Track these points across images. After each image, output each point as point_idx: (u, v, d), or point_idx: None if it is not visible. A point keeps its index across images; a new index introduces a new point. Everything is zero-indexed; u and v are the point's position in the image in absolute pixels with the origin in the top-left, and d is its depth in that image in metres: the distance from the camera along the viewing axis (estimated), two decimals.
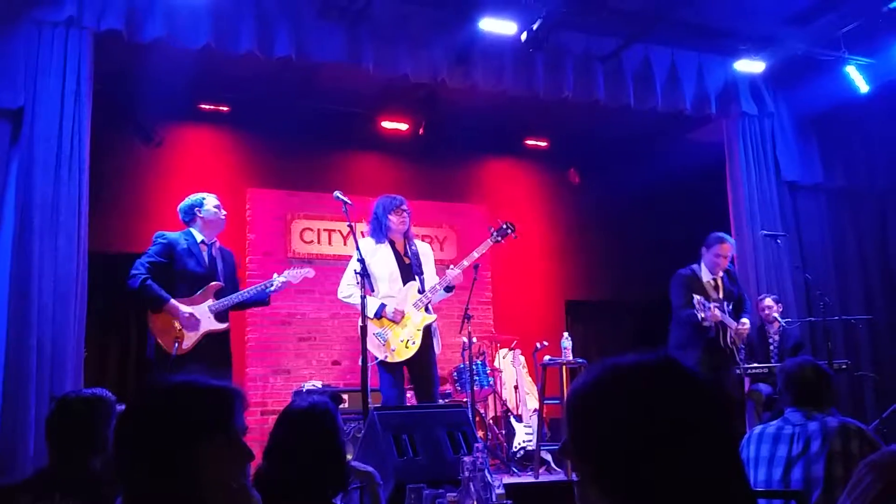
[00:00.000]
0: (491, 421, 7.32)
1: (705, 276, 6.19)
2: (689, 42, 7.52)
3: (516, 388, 7.61)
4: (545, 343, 7.14)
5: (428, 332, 5.64)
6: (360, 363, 5.25)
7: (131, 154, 8.02)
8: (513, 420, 7.16)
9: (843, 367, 6.72)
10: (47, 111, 5.54)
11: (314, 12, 6.31)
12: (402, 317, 5.57)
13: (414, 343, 5.55)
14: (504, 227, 5.91)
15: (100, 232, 6.49)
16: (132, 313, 8.01)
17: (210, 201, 5.49)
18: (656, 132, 8.97)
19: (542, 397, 6.20)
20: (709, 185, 8.43)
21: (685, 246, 6.55)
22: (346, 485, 2.75)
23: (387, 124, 8.95)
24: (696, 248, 6.39)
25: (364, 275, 5.24)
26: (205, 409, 1.55)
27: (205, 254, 5.41)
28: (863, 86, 7.60)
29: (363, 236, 5.88)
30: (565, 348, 5.99)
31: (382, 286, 5.66)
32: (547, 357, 6.23)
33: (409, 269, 5.71)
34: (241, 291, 5.51)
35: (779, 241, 7.43)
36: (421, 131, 8.88)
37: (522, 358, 7.88)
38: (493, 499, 2.74)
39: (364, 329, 5.17)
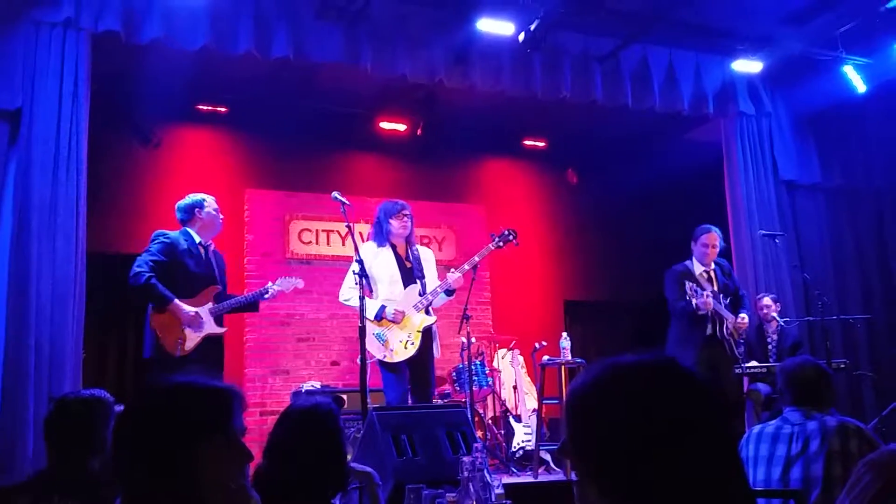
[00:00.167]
0: (490, 421, 7.32)
1: (697, 268, 6.26)
2: (687, 42, 7.53)
3: (515, 388, 7.61)
4: (544, 343, 7.14)
5: (428, 333, 5.66)
6: (358, 363, 5.25)
7: (129, 155, 8.01)
8: (512, 420, 7.16)
9: (842, 366, 6.72)
10: (45, 112, 5.53)
11: (312, 13, 6.31)
12: (403, 317, 5.59)
13: (413, 344, 5.57)
14: (506, 233, 5.94)
15: (98, 233, 6.48)
16: (131, 314, 8.00)
17: (210, 203, 5.48)
18: (654, 132, 8.97)
19: (540, 397, 6.20)
20: (707, 184, 8.43)
21: (683, 246, 6.55)
22: (346, 485, 2.75)
23: (385, 125, 8.95)
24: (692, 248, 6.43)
25: (362, 275, 5.25)
26: (203, 409, 1.55)
27: (202, 255, 5.40)
28: (860, 85, 7.61)
29: (365, 240, 5.90)
30: (564, 348, 5.99)
31: (383, 289, 5.68)
32: (546, 357, 6.23)
33: (411, 273, 5.74)
34: (239, 296, 5.53)
35: (777, 240, 7.43)
36: (419, 132, 8.88)
37: (521, 358, 7.88)
38: (493, 499, 2.74)
39: (363, 330, 5.18)
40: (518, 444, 6.95)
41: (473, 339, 6.81)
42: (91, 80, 5.79)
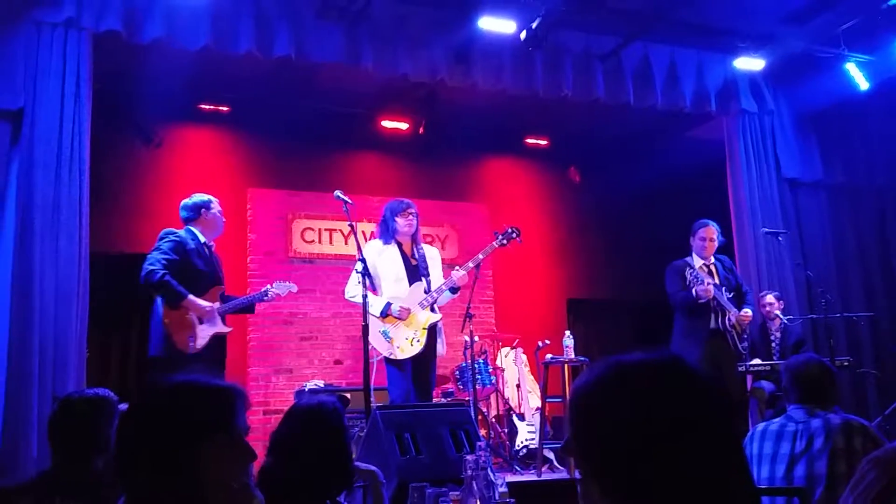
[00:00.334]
0: (493, 419, 7.32)
1: (697, 262, 6.32)
2: (689, 40, 7.52)
3: (518, 386, 7.61)
4: (547, 341, 7.13)
5: (433, 331, 5.68)
6: (362, 362, 5.26)
7: (131, 155, 8.02)
8: (515, 418, 7.16)
9: (846, 363, 6.71)
10: (47, 112, 5.54)
11: (313, 12, 6.31)
12: (408, 314, 5.61)
13: (419, 341, 5.58)
14: (509, 230, 5.96)
15: (101, 232, 6.49)
16: (134, 313, 8.01)
17: (215, 205, 5.51)
18: (656, 130, 8.97)
19: (544, 396, 6.20)
20: (709, 182, 8.43)
21: (685, 243, 6.57)
22: (351, 483, 2.76)
23: (387, 124, 8.94)
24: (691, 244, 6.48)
25: (365, 273, 5.26)
26: (207, 408, 1.55)
27: (208, 254, 5.42)
28: (862, 83, 7.60)
29: (370, 238, 5.92)
30: (567, 347, 5.99)
31: (388, 286, 5.70)
32: (549, 355, 6.22)
33: (416, 271, 5.76)
34: (243, 297, 5.58)
35: (780, 238, 7.43)
36: (421, 131, 8.88)
37: (524, 356, 7.88)
38: (496, 497, 2.74)
39: (366, 328, 5.19)
40: (521, 442, 6.95)
41: (476, 338, 6.80)
42: (93, 79, 5.80)
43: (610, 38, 7.19)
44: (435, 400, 6.20)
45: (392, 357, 5.57)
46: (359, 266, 5.35)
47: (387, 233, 5.79)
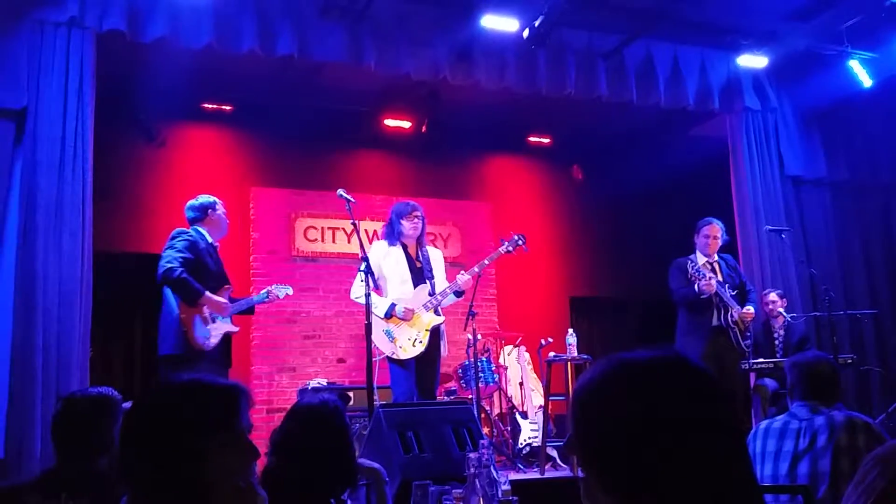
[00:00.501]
0: (496, 417, 7.32)
1: (700, 259, 6.37)
2: (692, 38, 7.52)
3: (521, 384, 7.60)
4: (550, 339, 7.13)
5: (436, 333, 5.71)
6: (365, 361, 5.27)
7: (135, 154, 8.03)
8: (518, 417, 7.15)
9: (849, 361, 6.71)
10: (50, 111, 5.55)
11: (316, 11, 6.32)
12: (412, 315, 5.63)
13: (421, 342, 5.60)
14: (516, 238, 6.01)
15: (104, 231, 6.50)
16: (138, 311, 8.03)
17: (220, 206, 5.56)
18: (659, 128, 8.96)
19: (547, 394, 6.20)
20: (712, 180, 8.42)
21: (689, 241, 6.58)
22: (355, 482, 2.76)
23: (389, 122, 8.94)
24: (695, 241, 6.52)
25: (368, 272, 5.27)
26: (210, 407, 1.55)
27: (216, 254, 5.46)
28: (866, 80, 7.58)
29: (378, 238, 5.95)
30: (570, 345, 5.98)
31: (393, 288, 5.73)
32: (552, 353, 6.21)
33: (421, 273, 5.80)
34: (246, 298, 5.63)
35: (783, 235, 7.42)
36: (424, 129, 8.88)
37: (527, 354, 7.87)
38: (499, 495, 2.74)
39: (369, 327, 5.20)
40: (524, 440, 6.95)
41: (479, 336, 6.81)
42: (96, 79, 5.81)
43: (613, 36, 7.18)
44: (438, 398, 6.21)
45: (394, 357, 5.59)
46: (362, 265, 5.36)
47: (392, 235, 5.83)
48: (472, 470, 2.76)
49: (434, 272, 5.85)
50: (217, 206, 5.51)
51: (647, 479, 1.07)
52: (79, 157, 5.60)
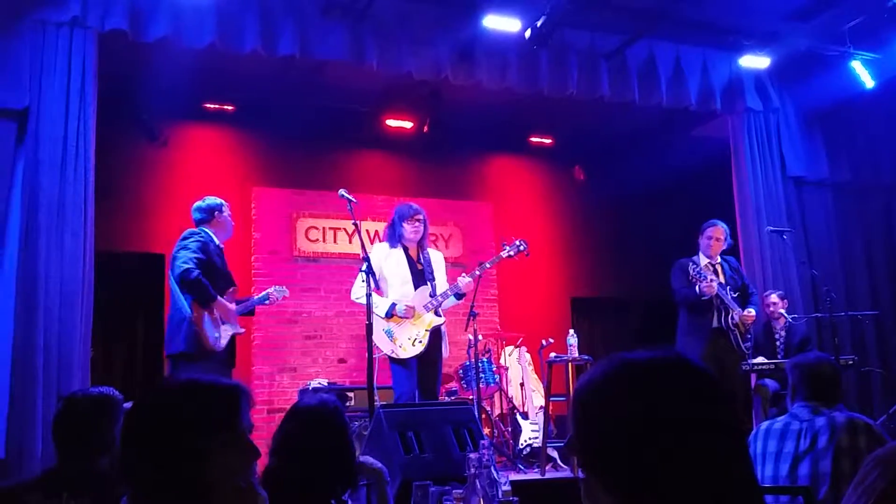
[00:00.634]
0: (497, 418, 7.32)
1: (703, 261, 6.39)
2: (694, 38, 7.51)
3: (522, 385, 7.60)
4: (551, 340, 7.13)
5: (437, 333, 5.72)
6: (366, 361, 5.27)
7: (136, 153, 8.03)
8: (519, 417, 7.15)
9: (850, 362, 6.70)
10: (52, 111, 5.56)
11: (318, 11, 6.32)
12: (413, 314, 5.64)
13: (421, 342, 5.62)
14: (518, 243, 6.03)
15: (106, 231, 6.50)
16: (139, 311, 8.04)
17: (227, 208, 5.60)
18: (661, 129, 8.96)
19: (547, 394, 6.20)
20: (714, 181, 8.41)
21: (690, 242, 6.58)
22: (356, 483, 2.76)
23: (391, 122, 8.94)
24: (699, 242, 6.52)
25: (369, 273, 5.27)
26: (211, 407, 1.55)
27: (223, 255, 5.49)
28: (868, 81, 7.58)
29: (381, 239, 5.98)
30: (571, 345, 5.98)
31: (394, 289, 5.75)
32: (553, 354, 6.21)
33: (422, 275, 5.82)
34: (248, 301, 5.67)
35: (785, 236, 7.41)
36: (425, 129, 8.88)
37: (528, 355, 7.87)
38: (500, 496, 2.74)
39: (370, 327, 5.20)
40: (525, 441, 6.95)
41: (480, 337, 6.81)
42: (98, 78, 5.81)
43: (615, 36, 7.18)
44: (439, 399, 6.21)
45: (394, 356, 5.60)
46: (363, 266, 5.37)
47: (393, 237, 5.85)
48: (473, 470, 2.76)
49: (435, 274, 5.87)
50: (224, 209, 5.55)
51: (647, 480, 1.07)
52: (81, 156, 5.61)
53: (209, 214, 5.47)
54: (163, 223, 7.78)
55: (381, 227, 7.69)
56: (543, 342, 7.20)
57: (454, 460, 4.19)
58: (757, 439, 3.25)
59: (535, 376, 7.80)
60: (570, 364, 5.93)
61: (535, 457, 6.58)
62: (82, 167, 5.60)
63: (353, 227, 5.43)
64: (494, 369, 7.42)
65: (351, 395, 7.01)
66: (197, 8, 5.92)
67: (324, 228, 8.74)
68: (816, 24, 7.19)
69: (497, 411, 7.46)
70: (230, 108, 8.38)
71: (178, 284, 5.16)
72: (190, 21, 5.92)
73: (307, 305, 8.47)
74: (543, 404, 6.48)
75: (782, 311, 7.06)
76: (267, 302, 5.71)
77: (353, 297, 5.84)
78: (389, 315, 5.63)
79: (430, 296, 5.73)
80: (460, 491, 2.89)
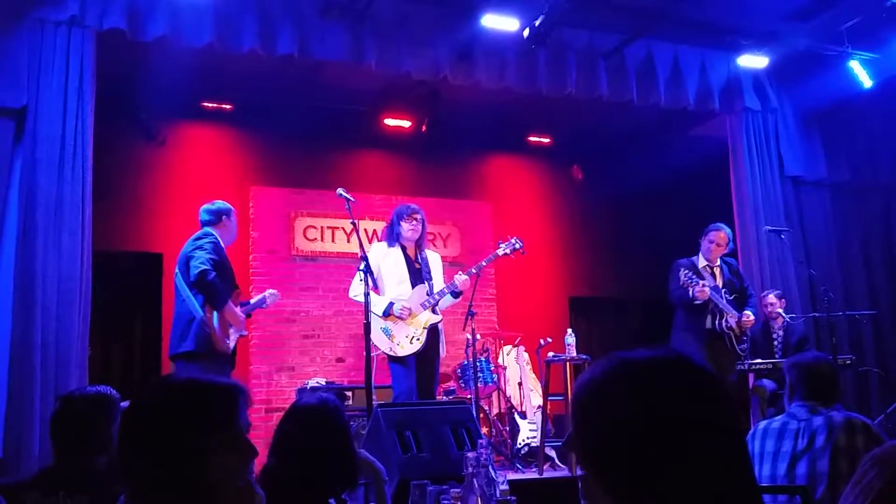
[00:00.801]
0: (495, 417, 7.32)
1: (702, 262, 6.41)
2: (692, 38, 7.52)
3: (520, 384, 7.60)
4: (549, 339, 7.13)
5: (434, 331, 5.74)
6: (364, 360, 5.28)
7: (134, 152, 8.02)
8: (517, 416, 7.15)
9: (848, 362, 6.71)
10: (50, 110, 5.55)
11: (316, 10, 6.32)
12: (409, 314, 5.65)
13: (418, 340, 5.63)
14: (513, 242, 6.05)
15: (103, 230, 6.50)
16: (137, 311, 8.03)
17: (234, 213, 5.63)
18: (659, 128, 8.96)
19: (546, 394, 6.20)
20: (712, 180, 8.42)
21: (688, 241, 6.59)
22: (355, 482, 2.76)
23: (389, 122, 8.93)
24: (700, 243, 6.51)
25: (367, 271, 5.28)
26: (208, 406, 1.55)
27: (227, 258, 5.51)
28: (866, 81, 7.58)
29: (379, 239, 5.99)
30: (569, 345, 5.98)
31: (392, 289, 5.77)
32: (551, 353, 6.21)
33: (419, 274, 5.84)
34: (250, 302, 5.71)
35: (783, 236, 7.42)
36: (424, 128, 8.87)
37: (526, 354, 7.87)
38: (497, 495, 2.74)
39: (368, 326, 5.21)
40: (523, 440, 6.95)
41: (478, 336, 6.81)
42: (96, 77, 5.81)
43: (613, 36, 7.18)
44: (437, 398, 6.21)
45: (392, 354, 5.62)
46: (361, 265, 5.37)
47: (391, 236, 5.87)
48: (471, 469, 2.76)
49: (432, 274, 5.89)
50: (231, 214, 5.57)
51: (646, 479, 1.07)
52: (78, 155, 5.60)
53: (217, 217, 5.48)
54: (161, 222, 7.78)
55: (379, 226, 7.70)
56: (541, 341, 7.20)
57: (452, 459, 4.19)
58: (755, 439, 3.25)
59: (534, 376, 7.80)
60: (568, 363, 5.93)
61: (533, 456, 6.58)
62: (80, 166, 5.60)
63: (352, 227, 5.44)
64: (492, 368, 7.42)
65: (349, 394, 7.01)
66: (195, 7, 5.92)
67: (322, 228, 8.74)
68: (815, 24, 7.19)
69: (495, 411, 7.45)
70: (228, 107, 8.37)
71: (194, 285, 5.16)
72: (188, 20, 5.91)
73: (305, 304, 8.46)
74: (541, 404, 6.49)
75: (780, 310, 7.07)
76: (264, 306, 5.76)
77: (350, 294, 5.85)
78: (386, 314, 5.65)
79: (427, 294, 5.75)
80: (458, 490, 2.89)
